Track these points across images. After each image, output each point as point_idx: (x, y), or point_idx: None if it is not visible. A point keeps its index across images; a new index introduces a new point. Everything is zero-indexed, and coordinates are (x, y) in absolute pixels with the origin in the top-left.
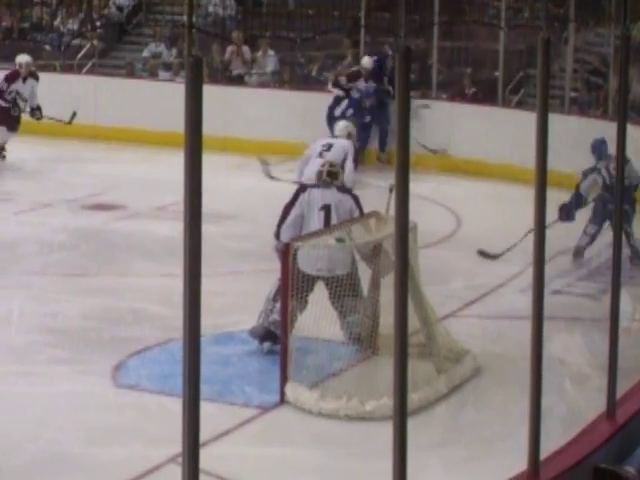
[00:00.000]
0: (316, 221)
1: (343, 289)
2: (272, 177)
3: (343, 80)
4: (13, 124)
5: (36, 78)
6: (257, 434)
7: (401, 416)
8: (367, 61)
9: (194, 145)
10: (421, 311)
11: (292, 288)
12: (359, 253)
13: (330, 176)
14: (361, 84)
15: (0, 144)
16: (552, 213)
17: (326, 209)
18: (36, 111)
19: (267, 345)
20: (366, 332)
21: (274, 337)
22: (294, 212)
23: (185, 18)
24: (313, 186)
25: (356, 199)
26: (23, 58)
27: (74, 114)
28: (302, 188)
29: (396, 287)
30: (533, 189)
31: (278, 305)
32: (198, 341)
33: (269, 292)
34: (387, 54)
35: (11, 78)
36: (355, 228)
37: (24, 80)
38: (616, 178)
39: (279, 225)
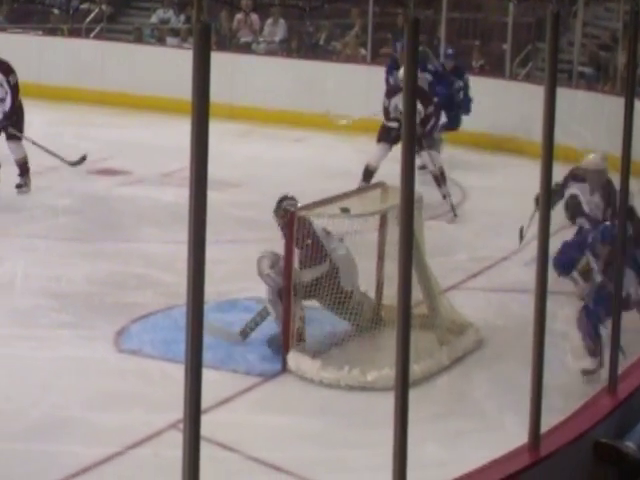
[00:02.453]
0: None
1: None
2: None
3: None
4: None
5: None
6: (258, 402)
7: (403, 387)
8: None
9: (201, 112)
10: (425, 282)
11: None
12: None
13: None
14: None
15: None
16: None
17: None
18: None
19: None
20: (367, 311)
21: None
22: None
23: None
24: None
25: None
26: None
27: (83, 158)
28: None
29: (400, 258)
30: (539, 163)
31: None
32: (201, 308)
33: (269, 295)
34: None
35: None
36: (361, 198)
37: None
38: (622, 162)
39: None
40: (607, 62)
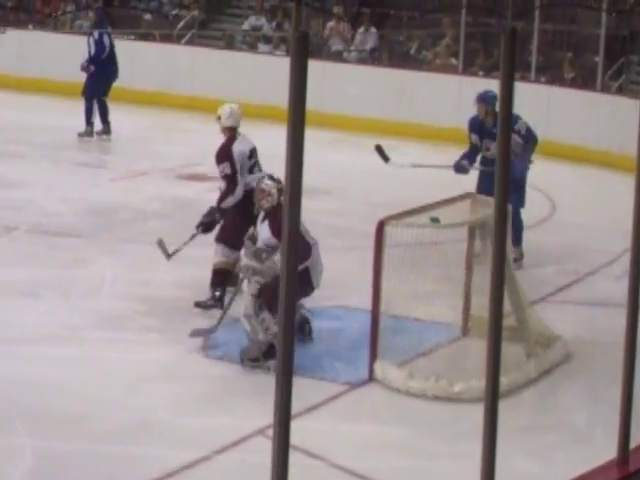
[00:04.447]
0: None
1: None
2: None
3: None
4: None
5: None
6: (345, 410)
7: (492, 398)
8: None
9: (297, 121)
10: (513, 295)
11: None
12: None
13: None
14: None
15: None
16: None
17: None
18: None
19: (272, 363)
20: None
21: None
22: None
23: None
24: None
25: None
26: None
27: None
28: None
29: (493, 269)
30: (631, 176)
31: (267, 316)
32: (293, 316)
33: (245, 308)
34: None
35: None
36: (449, 208)
37: None
38: None
39: None
40: None
